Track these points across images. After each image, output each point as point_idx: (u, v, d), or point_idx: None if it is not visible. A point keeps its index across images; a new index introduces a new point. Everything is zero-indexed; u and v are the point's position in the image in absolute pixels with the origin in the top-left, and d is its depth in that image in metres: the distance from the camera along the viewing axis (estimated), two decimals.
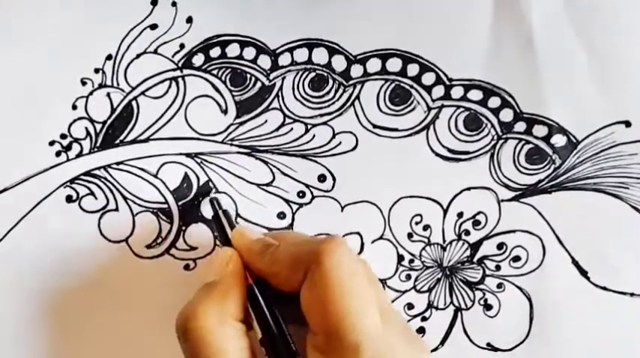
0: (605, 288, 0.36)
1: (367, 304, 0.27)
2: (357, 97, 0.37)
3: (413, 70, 0.37)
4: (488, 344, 0.36)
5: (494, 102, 0.37)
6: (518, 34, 0.37)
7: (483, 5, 0.37)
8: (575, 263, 0.36)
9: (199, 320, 0.29)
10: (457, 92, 0.37)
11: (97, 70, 0.37)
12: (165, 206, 0.37)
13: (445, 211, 0.37)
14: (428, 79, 0.37)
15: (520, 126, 0.37)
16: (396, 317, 0.30)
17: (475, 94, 0.37)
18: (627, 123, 0.37)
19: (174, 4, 0.37)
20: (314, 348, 0.28)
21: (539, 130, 0.37)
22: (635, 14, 0.37)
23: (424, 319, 0.36)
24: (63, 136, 0.37)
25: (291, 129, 0.37)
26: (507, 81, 0.37)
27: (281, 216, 0.37)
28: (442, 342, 0.36)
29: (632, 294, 0.36)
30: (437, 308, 0.37)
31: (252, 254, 0.31)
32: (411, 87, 0.37)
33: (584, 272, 0.36)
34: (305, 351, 0.28)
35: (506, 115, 0.37)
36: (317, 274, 0.27)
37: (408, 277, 0.37)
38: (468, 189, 0.37)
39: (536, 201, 0.37)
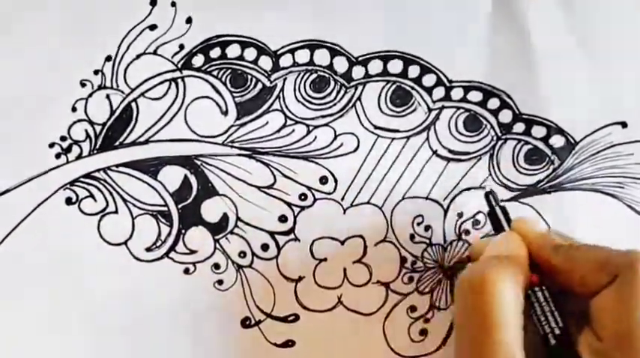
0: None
1: None
2: (359, 99, 0.37)
3: (414, 71, 0.38)
4: None
5: (493, 103, 0.37)
6: (517, 37, 0.37)
7: (482, 8, 0.38)
8: None
9: (499, 281, 0.28)
10: (457, 93, 0.38)
11: (96, 72, 0.37)
12: (165, 209, 0.36)
13: (445, 212, 0.37)
14: (428, 80, 0.38)
15: (519, 127, 0.37)
16: None
17: (475, 96, 0.38)
18: (624, 124, 0.37)
19: (173, 4, 0.37)
20: (594, 353, 0.27)
21: (538, 131, 0.37)
22: (631, 15, 0.38)
23: (427, 321, 0.37)
24: (62, 138, 0.36)
25: (293, 130, 0.37)
26: (506, 82, 0.37)
27: (282, 219, 0.37)
28: (444, 342, 0.37)
29: None
30: (439, 309, 0.37)
31: (545, 248, 0.31)
32: (412, 88, 0.37)
33: None
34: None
35: (506, 116, 0.37)
36: (632, 281, 0.27)
37: (411, 279, 0.37)
38: (468, 189, 0.37)
39: (535, 201, 0.37)
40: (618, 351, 0.27)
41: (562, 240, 0.31)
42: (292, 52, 0.37)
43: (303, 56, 0.37)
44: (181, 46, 0.37)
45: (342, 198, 0.37)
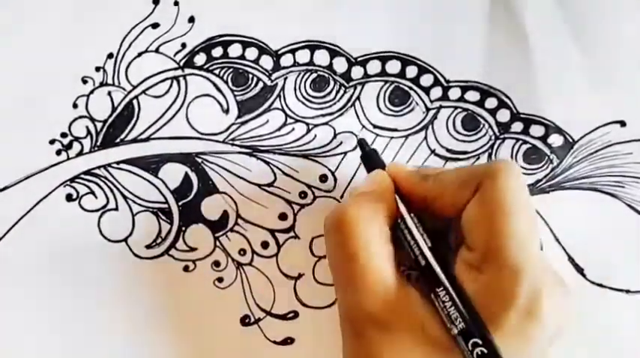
0: (601, 285, 0.36)
1: (534, 229, 0.28)
2: (358, 98, 0.38)
3: (412, 71, 0.38)
4: None
5: (491, 102, 0.38)
6: (514, 36, 0.38)
7: (479, 9, 0.38)
8: (572, 260, 0.37)
9: (353, 214, 0.29)
10: (455, 93, 0.38)
11: (98, 69, 0.37)
12: (166, 206, 0.37)
13: None
14: (426, 80, 0.38)
15: (517, 127, 0.38)
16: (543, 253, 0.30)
17: (472, 95, 0.38)
18: (622, 123, 0.37)
19: (176, 3, 0.38)
20: (465, 263, 0.28)
21: (536, 130, 0.37)
22: (629, 14, 0.38)
23: None
24: (63, 135, 0.37)
25: (293, 129, 0.37)
26: (503, 82, 0.38)
27: (282, 216, 0.37)
28: None
29: (627, 291, 0.36)
30: None
31: (413, 181, 0.31)
32: (410, 88, 0.38)
33: (580, 270, 0.37)
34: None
35: (503, 116, 0.38)
36: (491, 189, 0.27)
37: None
38: None
39: (534, 200, 0.37)
40: (485, 259, 0.27)
41: (432, 170, 0.32)
42: (293, 52, 0.38)
43: (303, 56, 0.38)
44: (183, 45, 0.37)
45: (342, 196, 0.37)
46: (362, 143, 0.36)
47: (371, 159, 0.35)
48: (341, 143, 0.37)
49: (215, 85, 0.37)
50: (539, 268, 0.27)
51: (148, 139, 0.37)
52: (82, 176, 0.36)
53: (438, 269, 0.29)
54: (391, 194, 0.31)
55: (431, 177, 0.31)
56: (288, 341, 0.36)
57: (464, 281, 0.28)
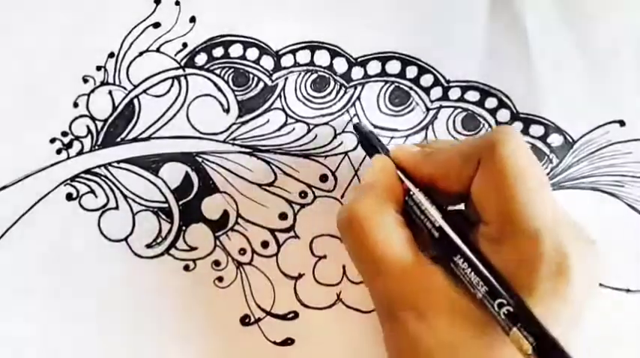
0: (601, 284, 0.36)
1: (545, 191, 0.27)
2: (358, 98, 0.38)
3: (412, 72, 0.38)
4: None
5: (491, 102, 0.38)
6: (514, 36, 0.38)
7: (479, 9, 0.38)
8: None
9: (361, 210, 0.29)
10: (455, 93, 0.38)
11: (98, 68, 0.37)
12: (166, 205, 0.36)
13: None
14: (426, 80, 0.38)
15: (517, 127, 0.38)
16: (562, 208, 0.29)
17: (472, 95, 0.38)
18: (621, 123, 0.38)
19: (177, 3, 0.38)
20: (485, 238, 0.28)
21: (536, 130, 0.38)
22: (629, 14, 0.38)
23: None
24: (64, 134, 0.37)
25: (293, 129, 0.37)
26: (503, 82, 0.38)
27: (282, 216, 0.37)
28: None
29: (627, 290, 0.37)
30: None
31: (418, 161, 0.31)
32: (410, 88, 0.38)
33: None
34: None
35: (503, 116, 0.38)
36: (492, 161, 0.27)
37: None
38: None
39: None
40: (502, 230, 0.27)
41: (435, 146, 0.32)
42: (293, 52, 0.38)
43: (303, 56, 0.38)
44: (184, 45, 0.37)
45: (342, 196, 0.37)
46: (358, 127, 0.36)
47: (370, 143, 0.35)
48: (341, 143, 0.37)
49: (216, 84, 0.37)
50: (558, 226, 0.26)
51: (148, 139, 0.37)
52: (83, 175, 0.36)
53: (451, 234, 0.28)
54: (396, 181, 0.31)
55: (432, 156, 0.31)
56: (288, 341, 0.36)
57: (488, 255, 0.27)
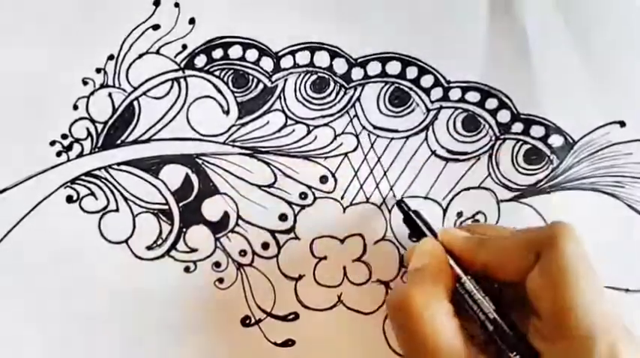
0: None
1: (600, 292, 0.27)
2: (358, 99, 0.38)
3: (412, 72, 0.38)
4: None
5: (491, 103, 0.38)
6: (514, 37, 0.38)
7: (479, 9, 0.38)
8: None
9: (417, 297, 0.29)
10: (455, 94, 0.38)
11: (98, 70, 0.37)
12: (166, 207, 0.37)
13: (445, 211, 0.37)
14: (426, 81, 0.38)
15: (517, 127, 0.38)
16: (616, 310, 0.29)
17: (473, 96, 0.38)
18: (622, 124, 0.37)
19: (177, 4, 0.38)
20: (537, 333, 0.28)
21: (537, 131, 0.37)
22: (628, 14, 0.38)
23: None
24: (64, 136, 0.37)
25: (293, 130, 0.37)
26: (504, 83, 0.38)
27: (283, 217, 0.37)
28: None
29: (627, 290, 0.37)
30: None
31: (470, 248, 0.31)
32: (410, 89, 0.38)
33: None
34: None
35: (504, 116, 0.38)
36: (552, 259, 0.27)
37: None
38: (467, 189, 0.38)
39: (535, 201, 0.37)
40: (556, 329, 0.27)
41: (486, 231, 0.32)
42: (293, 53, 0.38)
43: (303, 58, 0.38)
44: (184, 46, 0.37)
45: (342, 197, 0.37)
46: (401, 205, 0.36)
47: (416, 224, 0.35)
48: (341, 144, 0.37)
49: (215, 86, 0.37)
50: (611, 328, 0.27)
51: (148, 141, 0.37)
52: (83, 177, 0.36)
53: (507, 330, 0.29)
54: (447, 266, 0.31)
55: (487, 244, 0.31)
56: (288, 342, 0.36)
57: (540, 350, 0.28)
